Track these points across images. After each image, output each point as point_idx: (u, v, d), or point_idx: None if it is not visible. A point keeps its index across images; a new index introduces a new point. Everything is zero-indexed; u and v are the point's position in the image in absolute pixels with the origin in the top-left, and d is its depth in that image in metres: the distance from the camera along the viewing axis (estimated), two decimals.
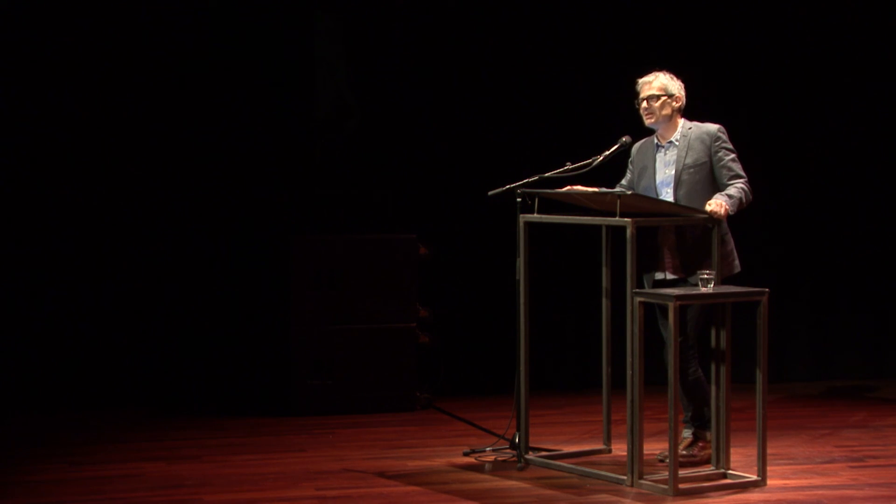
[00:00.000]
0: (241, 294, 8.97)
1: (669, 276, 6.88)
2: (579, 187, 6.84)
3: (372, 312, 8.56)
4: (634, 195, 6.65)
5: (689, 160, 6.89)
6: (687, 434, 7.06)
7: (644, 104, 6.94)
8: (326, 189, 8.79)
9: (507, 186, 7.01)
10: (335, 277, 8.51)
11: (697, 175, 6.88)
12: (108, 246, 8.86)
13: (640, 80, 6.99)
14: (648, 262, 6.91)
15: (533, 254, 7.19)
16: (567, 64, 9.29)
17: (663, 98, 6.92)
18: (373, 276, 8.56)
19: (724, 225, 6.80)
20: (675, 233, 6.86)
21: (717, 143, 6.91)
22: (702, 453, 6.98)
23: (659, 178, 6.96)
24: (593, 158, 7.02)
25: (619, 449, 7.10)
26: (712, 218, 6.66)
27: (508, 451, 7.20)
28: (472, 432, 7.84)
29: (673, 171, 6.91)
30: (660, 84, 6.94)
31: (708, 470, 6.78)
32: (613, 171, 7.22)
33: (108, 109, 8.84)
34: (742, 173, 6.87)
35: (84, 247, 8.82)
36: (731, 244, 6.96)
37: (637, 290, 6.55)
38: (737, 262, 6.98)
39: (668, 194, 6.90)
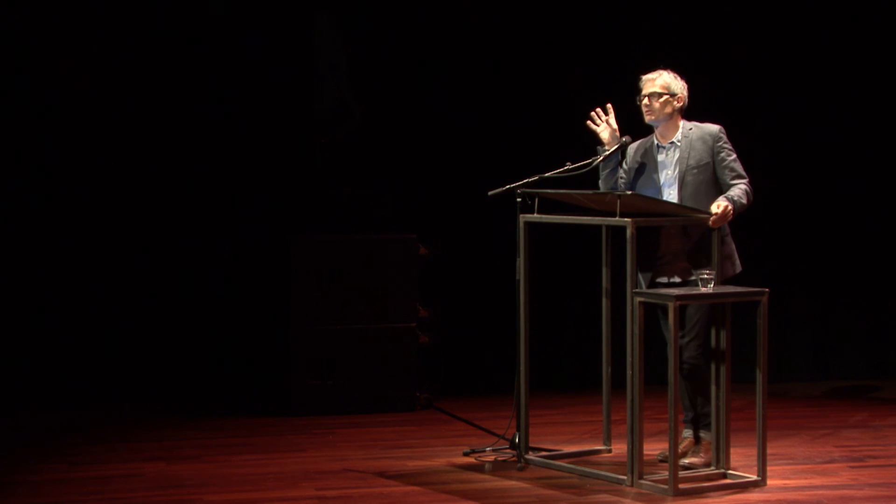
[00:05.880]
0: (241, 294, 8.97)
1: (676, 280, 6.88)
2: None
3: (372, 312, 8.55)
4: (634, 195, 6.65)
5: (691, 161, 6.89)
6: (687, 434, 7.05)
7: (645, 100, 6.94)
8: (326, 189, 8.79)
9: (507, 186, 7.01)
10: (335, 277, 8.51)
11: (701, 176, 6.88)
12: (108, 245, 8.86)
13: (644, 77, 6.99)
14: (653, 265, 6.89)
15: (533, 254, 7.18)
16: (567, 64, 9.28)
17: (665, 96, 6.92)
18: (373, 276, 8.55)
19: (725, 226, 6.80)
20: (680, 235, 6.85)
21: (718, 144, 6.91)
22: (702, 459, 6.93)
23: (662, 178, 6.95)
24: (593, 158, 7.03)
25: (619, 449, 7.10)
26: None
27: (508, 451, 7.20)
28: (472, 432, 7.83)
29: (676, 172, 6.90)
30: (663, 82, 6.94)
31: (708, 470, 6.78)
32: None
33: (106, 108, 8.84)
34: (744, 173, 6.88)
35: (84, 246, 8.82)
36: (732, 245, 6.96)
37: (637, 290, 6.55)
38: (738, 262, 6.98)
39: (671, 195, 6.89)
